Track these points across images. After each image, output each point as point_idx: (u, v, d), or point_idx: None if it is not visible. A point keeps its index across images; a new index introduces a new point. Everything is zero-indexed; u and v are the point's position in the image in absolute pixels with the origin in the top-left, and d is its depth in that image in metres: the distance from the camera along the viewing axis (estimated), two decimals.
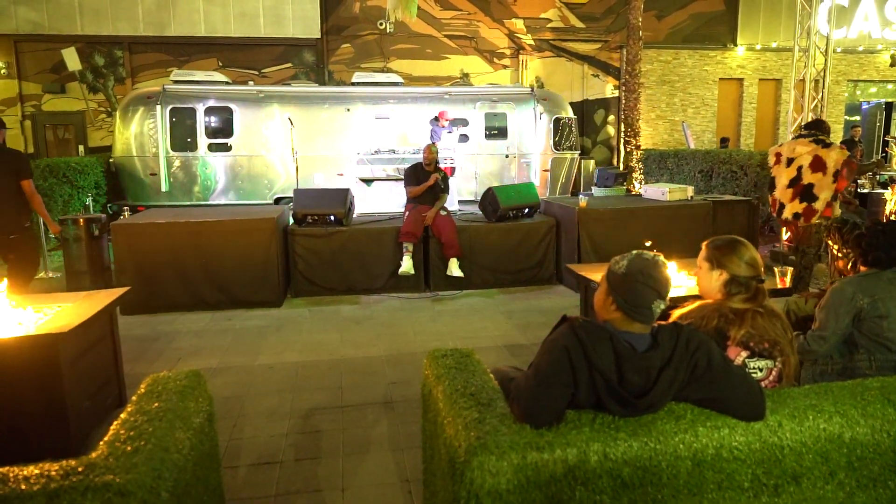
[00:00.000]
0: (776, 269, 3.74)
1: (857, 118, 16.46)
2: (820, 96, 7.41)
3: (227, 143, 9.62)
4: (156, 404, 1.93)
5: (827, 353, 2.54)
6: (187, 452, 1.79)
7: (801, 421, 1.78)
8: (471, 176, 10.15)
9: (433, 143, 6.53)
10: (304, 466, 2.96)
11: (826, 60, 7.40)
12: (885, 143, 14.93)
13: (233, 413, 3.52)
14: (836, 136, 14.05)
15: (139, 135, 9.38)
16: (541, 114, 10.38)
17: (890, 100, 16.12)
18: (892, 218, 5.57)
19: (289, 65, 13.26)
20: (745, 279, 2.16)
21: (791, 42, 7.69)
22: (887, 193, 5.81)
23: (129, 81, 12.60)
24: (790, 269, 3.78)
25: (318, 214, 6.20)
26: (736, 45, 14.92)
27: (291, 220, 6.34)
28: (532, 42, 14.11)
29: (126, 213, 6.49)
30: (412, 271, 6.07)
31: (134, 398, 2.02)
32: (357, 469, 2.93)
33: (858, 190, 8.33)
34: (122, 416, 1.86)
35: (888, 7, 14.71)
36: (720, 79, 15.10)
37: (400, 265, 6.06)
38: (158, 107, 9.32)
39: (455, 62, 13.79)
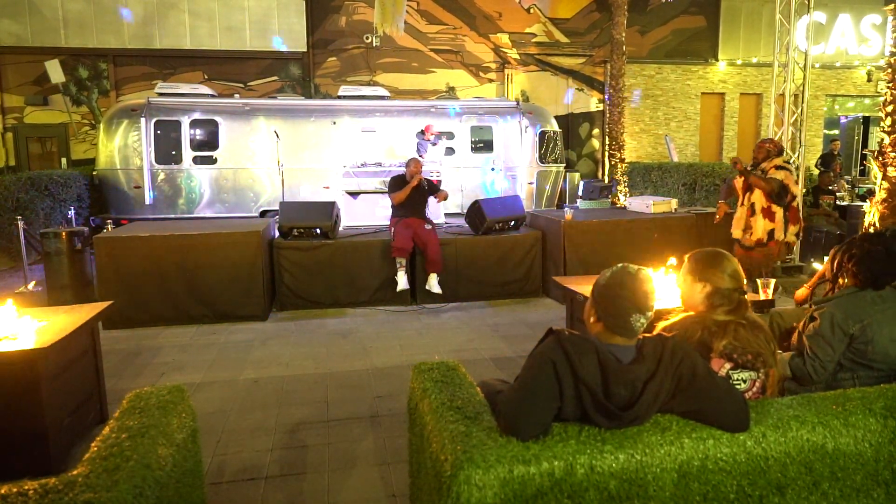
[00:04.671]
0: (759, 281, 3.79)
1: (836, 132, 16.76)
2: (799, 110, 7.54)
3: (212, 156, 9.57)
4: (138, 420, 1.90)
5: (825, 380, 2.55)
6: (170, 469, 1.77)
7: (784, 431, 1.80)
8: (457, 189, 10.18)
9: (416, 159, 6.53)
10: (289, 482, 2.92)
11: (805, 75, 7.54)
12: (863, 157, 15.22)
13: (217, 428, 3.48)
14: (816, 150, 14.29)
15: (123, 147, 9.31)
16: (526, 127, 10.45)
17: (867, 114, 16.44)
18: (871, 230, 5.64)
19: (275, 78, 13.26)
20: (727, 291, 2.18)
21: (771, 57, 7.83)
22: (866, 206, 5.88)
23: (113, 94, 12.52)
24: (773, 281, 3.83)
25: (304, 227, 6.18)
26: (717, 60, 15.17)
27: (277, 233, 6.31)
28: (517, 56, 14.24)
29: (109, 227, 6.43)
30: (407, 286, 6.08)
31: (116, 414, 1.99)
32: (343, 484, 2.90)
33: (838, 202, 8.46)
34: (104, 432, 1.83)
35: (864, 24, 15.04)
36: (702, 93, 15.33)
37: (393, 280, 6.06)
38: (143, 119, 9.26)
39: (441, 76, 13.87)
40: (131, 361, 4.66)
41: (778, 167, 5.26)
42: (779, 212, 5.29)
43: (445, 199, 6.54)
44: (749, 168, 5.44)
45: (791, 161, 5.39)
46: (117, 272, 5.44)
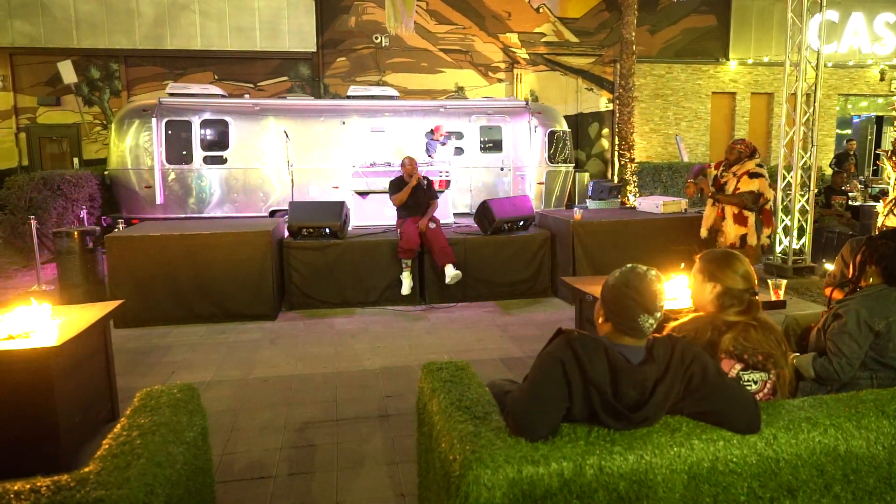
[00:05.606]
0: (770, 282, 3.76)
1: (849, 132, 16.61)
2: (811, 110, 7.48)
3: (222, 156, 9.62)
4: (149, 418, 1.91)
5: (851, 379, 2.53)
6: (180, 467, 1.78)
7: (796, 433, 1.78)
8: (466, 189, 10.18)
9: (410, 157, 6.52)
10: (297, 481, 2.93)
11: (817, 75, 7.47)
12: (876, 157, 15.06)
13: (226, 427, 3.49)
14: (829, 149, 14.17)
15: (134, 147, 9.38)
16: (535, 127, 10.43)
17: (880, 114, 16.28)
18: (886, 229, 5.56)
19: (285, 78, 13.31)
20: (738, 292, 2.17)
21: (782, 56, 7.76)
22: (879, 206, 5.79)
23: (124, 94, 12.62)
24: (784, 282, 3.80)
25: (314, 227, 6.19)
26: (728, 59, 15.07)
27: (287, 233, 6.33)
28: (526, 56, 14.22)
29: (121, 226, 6.47)
30: (411, 289, 6.10)
31: (127, 412, 2.01)
32: (351, 483, 2.91)
33: (850, 202, 8.39)
34: (115, 430, 1.85)
35: (877, 22, 14.90)
36: (713, 93, 15.23)
37: (399, 281, 6.08)
38: (154, 119, 9.32)
39: (450, 76, 13.87)
40: (142, 360, 4.70)
41: (752, 174, 5.07)
42: (751, 216, 5.12)
43: (434, 208, 6.49)
44: (722, 170, 5.29)
45: (762, 165, 5.21)
46: (128, 271, 5.47)
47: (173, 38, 12.67)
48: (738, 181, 5.08)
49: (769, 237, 5.23)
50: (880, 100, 15.98)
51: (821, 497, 1.79)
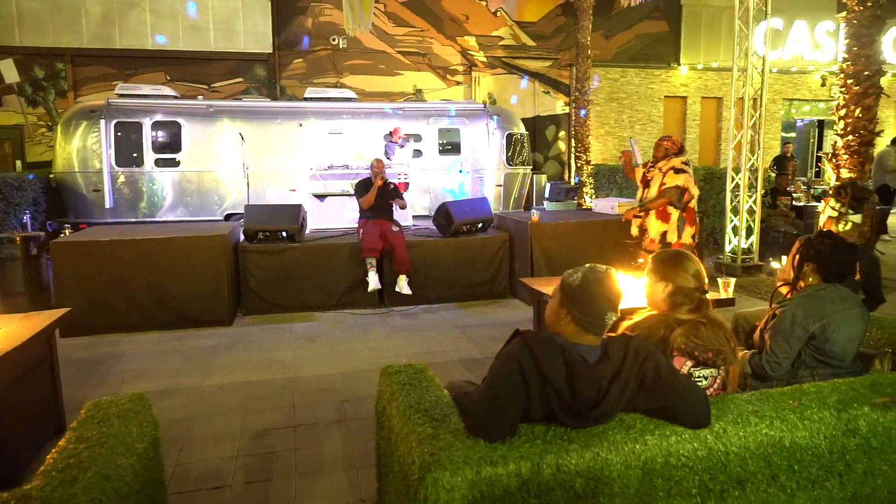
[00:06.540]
0: (720, 280, 3.88)
1: (793, 135, 17.28)
2: (758, 114, 7.75)
3: (175, 159, 9.39)
4: (97, 430, 1.85)
5: (783, 377, 2.60)
6: (130, 480, 1.72)
7: (744, 426, 1.84)
8: (425, 191, 10.18)
9: (378, 159, 6.53)
10: (255, 489, 2.88)
11: (763, 80, 7.75)
12: (818, 159, 15.71)
13: (180, 436, 3.40)
14: (774, 151, 14.69)
15: (82, 149, 9.07)
16: (493, 130, 10.51)
17: (822, 118, 16.98)
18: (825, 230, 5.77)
19: (240, 79, 13.06)
20: (689, 290, 2.23)
21: (730, 62, 8.02)
22: (821, 206, 5.99)
23: (71, 95, 12.17)
24: (733, 280, 3.92)
25: (270, 231, 6.10)
26: (679, 64, 15.49)
27: (242, 237, 6.22)
28: (484, 59, 14.32)
29: (67, 231, 6.25)
30: (379, 285, 6.06)
31: (73, 424, 1.93)
32: (310, 490, 2.87)
33: (794, 203, 8.72)
34: (60, 443, 1.78)
35: (818, 31, 15.53)
36: (665, 96, 15.63)
37: (363, 282, 6.04)
38: (103, 121, 9.04)
39: (408, 78, 13.86)
40: (91, 370, 4.54)
41: (677, 170, 5.04)
42: (674, 213, 5.05)
43: (403, 207, 6.60)
44: (650, 165, 5.28)
45: (688, 162, 5.21)
46: (76, 278, 5.28)
47: (123, 38, 12.29)
48: (664, 176, 5.07)
49: (693, 237, 5.17)
50: (822, 104, 16.67)
51: (767, 487, 1.85)
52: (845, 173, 6.67)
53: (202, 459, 3.16)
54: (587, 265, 1.93)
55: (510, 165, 10.69)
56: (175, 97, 10.01)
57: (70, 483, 1.53)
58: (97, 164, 9.04)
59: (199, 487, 2.89)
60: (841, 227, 3.91)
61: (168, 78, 12.55)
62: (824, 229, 4.26)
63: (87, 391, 4.06)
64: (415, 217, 8.86)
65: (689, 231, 5.07)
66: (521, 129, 11.04)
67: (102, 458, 1.68)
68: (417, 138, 10.19)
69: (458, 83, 14.23)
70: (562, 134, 15.05)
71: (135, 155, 9.25)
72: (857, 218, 3.65)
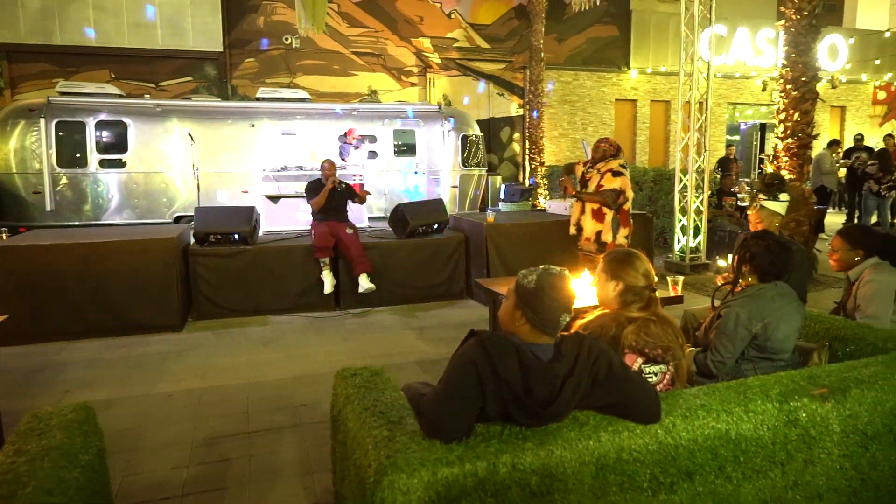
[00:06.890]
0: (669, 279, 3.99)
1: (737, 137, 17.93)
2: (703, 117, 8.01)
3: (120, 159, 9.09)
4: (37, 443, 1.77)
5: (726, 375, 2.68)
6: (74, 493, 1.65)
7: (692, 420, 1.90)
8: (380, 193, 10.13)
9: (329, 160, 6.46)
10: (208, 499, 2.81)
11: (708, 84, 8.02)
12: (761, 161, 16.34)
13: (128, 447, 3.29)
14: (719, 153, 15.20)
15: (20, 150, 8.69)
16: (448, 131, 10.55)
17: (764, 121, 17.67)
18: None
19: (189, 78, 12.73)
20: (639, 289, 2.29)
21: (677, 67, 8.27)
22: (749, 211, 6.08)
23: (7, 93, 11.62)
24: (682, 279, 4.04)
25: (222, 233, 5.97)
26: (629, 68, 15.86)
27: (193, 240, 6.06)
28: (439, 61, 14.35)
29: (4, 235, 5.96)
30: (334, 284, 6.02)
31: (11, 437, 1.85)
32: (266, 497, 2.82)
33: (739, 203, 9.05)
34: None
35: (759, 38, 16.14)
36: (616, 99, 15.98)
37: (318, 283, 5.99)
38: (42, 120, 8.68)
39: (363, 79, 13.77)
40: (31, 380, 4.34)
41: (615, 172, 5.10)
42: (609, 214, 5.12)
43: (364, 201, 6.63)
44: (588, 167, 5.32)
45: (625, 165, 5.31)
46: (13, 284, 5.05)
47: (63, 33, 11.80)
48: (601, 178, 5.13)
49: (627, 237, 5.26)
50: (763, 108, 17.35)
51: (715, 478, 1.91)
52: (786, 174, 6.95)
53: (151, 470, 3.06)
54: (541, 267, 1.95)
55: (465, 167, 10.75)
56: (120, 96, 9.69)
57: (7, 499, 1.46)
58: (37, 164, 8.68)
59: (148, 499, 2.80)
60: (751, 212, 4.03)
61: (112, 76, 12.12)
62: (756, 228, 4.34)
63: (26, 402, 3.88)
64: (370, 218, 8.82)
65: (623, 231, 5.13)
66: (476, 130, 11.11)
67: (43, 473, 1.61)
68: (372, 139, 10.14)
69: (412, 85, 14.22)
70: (516, 136, 15.22)
71: (78, 156, 8.92)
72: (773, 205, 3.74)
